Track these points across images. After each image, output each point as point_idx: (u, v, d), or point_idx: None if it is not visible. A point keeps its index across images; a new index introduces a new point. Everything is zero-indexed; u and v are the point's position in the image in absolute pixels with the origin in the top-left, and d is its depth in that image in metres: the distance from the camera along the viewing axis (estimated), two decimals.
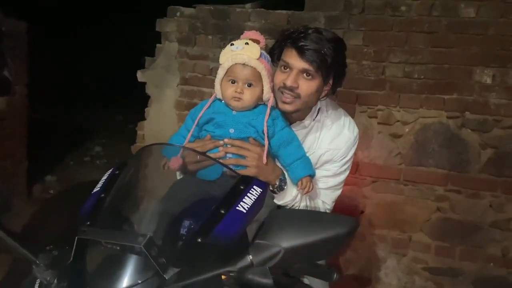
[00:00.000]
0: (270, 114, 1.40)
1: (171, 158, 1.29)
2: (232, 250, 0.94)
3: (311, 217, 1.00)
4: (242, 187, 1.10)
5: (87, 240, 0.95)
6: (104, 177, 1.19)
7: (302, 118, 1.54)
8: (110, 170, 1.21)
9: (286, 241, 0.89)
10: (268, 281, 0.96)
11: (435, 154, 2.84)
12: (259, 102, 1.43)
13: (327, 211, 1.62)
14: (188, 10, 3.16)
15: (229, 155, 1.37)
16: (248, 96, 1.37)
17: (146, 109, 3.26)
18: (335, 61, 1.43)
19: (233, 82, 1.37)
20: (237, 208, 1.03)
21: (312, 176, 1.45)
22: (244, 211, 1.03)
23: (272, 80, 1.44)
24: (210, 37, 3.08)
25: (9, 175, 3.83)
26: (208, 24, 3.09)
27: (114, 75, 5.86)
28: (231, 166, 1.35)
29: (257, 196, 1.09)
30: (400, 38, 2.79)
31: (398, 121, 2.89)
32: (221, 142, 1.37)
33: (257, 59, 1.36)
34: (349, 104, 2.94)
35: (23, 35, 3.82)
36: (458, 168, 2.80)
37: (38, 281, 0.97)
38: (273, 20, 3.00)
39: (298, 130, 1.54)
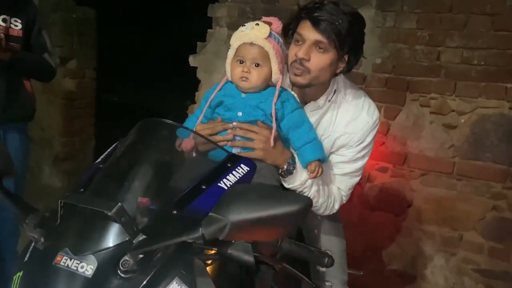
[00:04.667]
0: (279, 96, 1.32)
1: (184, 139, 1.27)
2: None
3: (264, 192, 0.94)
4: (229, 165, 1.10)
5: (74, 204, 0.99)
6: (109, 150, 1.21)
7: (316, 98, 1.44)
8: (116, 143, 1.22)
9: (234, 215, 0.86)
10: (249, 258, 0.96)
11: (493, 148, 2.53)
12: (269, 84, 1.35)
13: (343, 198, 1.51)
14: None
15: (237, 138, 1.31)
16: (255, 76, 1.30)
17: (196, 93, 3.26)
18: (350, 35, 1.32)
19: (241, 62, 1.31)
20: (219, 184, 1.03)
21: (322, 160, 1.36)
22: (226, 187, 1.02)
23: (282, 61, 1.34)
24: None
25: (78, 151, 4.06)
26: (257, 9, 2.98)
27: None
28: (239, 149, 1.30)
29: (242, 174, 1.09)
30: (458, 20, 2.50)
31: (453, 110, 2.60)
32: (231, 125, 1.32)
33: (265, 38, 1.28)
34: (399, 92, 2.71)
35: (92, 22, 3.98)
36: None
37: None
38: None
39: (313, 111, 1.44)
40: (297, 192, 1.38)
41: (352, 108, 1.45)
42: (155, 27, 6.07)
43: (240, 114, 1.32)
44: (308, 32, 1.33)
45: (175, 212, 0.96)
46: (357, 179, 1.50)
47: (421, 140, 2.70)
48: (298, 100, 1.40)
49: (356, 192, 2.91)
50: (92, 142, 4.18)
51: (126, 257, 0.90)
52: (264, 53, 1.29)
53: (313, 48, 1.33)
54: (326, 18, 1.30)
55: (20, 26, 1.93)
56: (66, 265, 0.91)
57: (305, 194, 1.38)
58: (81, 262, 0.91)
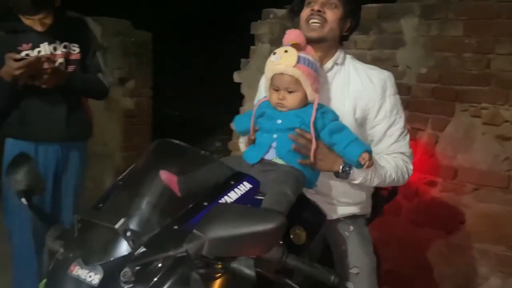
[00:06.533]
0: (320, 108, 1.40)
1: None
2: None
3: (241, 212, 0.97)
4: (232, 182, 1.17)
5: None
6: (129, 168, 1.30)
7: (324, 63, 1.53)
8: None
9: (211, 232, 0.91)
10: (250, 272, 1.00)
11: None
12: (307, 102, 1.42)
13: (411, 156, 1.56)
14: (280, 12, 3.10)
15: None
16: (290, 101, 1.39)
17: (240, 108, 3.31)
18: None
19: (276, 89, 1.40)
20: (220, 201, 1.10)
21: (369, 151, 1.38)
22: None
23: (316, 81, 1.39)
24: None
25: None
26: (299, 25, 2.98)
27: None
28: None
29: (244, 191, 1.17)
30: (509, 26, 2.32)
31: (506, 121, 2.41)
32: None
33: (294, 66, 1.35)
34: (448, 102, 2.56)
35: (148, 44, 4.21)
36: None
37: None
38: (363, 15, 2.72)
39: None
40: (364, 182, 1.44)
41: (363, 69, 1.54)
42: (206, 45, 6.29)
43: (279, 121, 1.39)
44: None
45: (176, 227, 1.01)
46: (408, 136, 1.56)
47: (472, 153, 2.53)
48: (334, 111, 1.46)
49: (404, 207, 2.78)
50: None
51: (126, 269, 0.96)
52: (295, 80, 1.36)
53: (325, 6, 1.48)
54: None
55: (77, 50, 2.10)
56: (77, 274, 1.00)
57: (376, 178, 1.45)
58: (89, 271, 0.99)
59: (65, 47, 2.05)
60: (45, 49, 1.98)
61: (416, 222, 2.74)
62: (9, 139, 2.07)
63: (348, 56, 1.58)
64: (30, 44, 1.96)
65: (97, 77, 2.17)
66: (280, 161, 1.37)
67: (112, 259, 0.99)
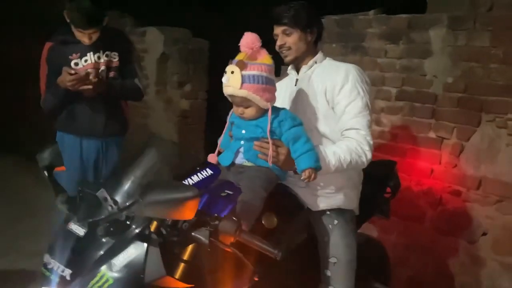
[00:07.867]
0: (278, 116, 1.55)
1: (210, 155, 1.64)
2: None
3: (169, 184, 1.22)
4: (198, 168, 1.45)
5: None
6: None
7: (307, 63, 1.80)
8: None
9: (147, 197, 1.16)
10: (205, 240, 1.25)
11: None
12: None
13: (367, 138, 1.66)
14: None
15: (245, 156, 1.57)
16: (248, 113, 1.55)
17: None
18: (301, 16, 1.72)
19: (236, 105, 1.56)
20: (184, 182, 1.38)
21: (315, 168, 1.52)
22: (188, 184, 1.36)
23: (266, 92, 1.51)
24: (334, 45, 3.11)
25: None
26: (333, 33, 3.12)
27: None
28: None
29: (205, 176, 1.45)
30: None
31: None
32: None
33: (240, 87, 1.47)
34: (473, 112, 2.55)
35: (205, 51, 4.55)
36: None
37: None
38: (394, 25, 2.83)
39: (305, 72, 1.80)
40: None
41: (335, 63, 1.81)
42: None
43: (243, 131, 1.57)
44: (276, 29, 1.77)
45: None
46: (369, 117, 1.70)
47: (496, 164, 2.49)
48: (296, 118, 1.59)
49: (428, 215, 2.79)
50: (202, 154, 4.72)
51: (101, 226, 1.28)
52: (245, 99, 1.50)
53: (284, 36, 1.75)
54: (279, 12, 1.73)
55: (117, 58, 2.42)
56: (71, 228, 1.34)
57: (333, 163, 1.59)
58: (79, 226, 1.32)
59: (106, 56, 2.37)
60: (90, 58, 2.33)
61: (439, 230, 2.74)
62: (60, 132, 2.46)
63: (328, 58, 1.84)
64: (78, 54, 2.32)
65: (134, 82, 2.47)
66: (249, 164, 1.54)
67: (95, 218, 1.30)
